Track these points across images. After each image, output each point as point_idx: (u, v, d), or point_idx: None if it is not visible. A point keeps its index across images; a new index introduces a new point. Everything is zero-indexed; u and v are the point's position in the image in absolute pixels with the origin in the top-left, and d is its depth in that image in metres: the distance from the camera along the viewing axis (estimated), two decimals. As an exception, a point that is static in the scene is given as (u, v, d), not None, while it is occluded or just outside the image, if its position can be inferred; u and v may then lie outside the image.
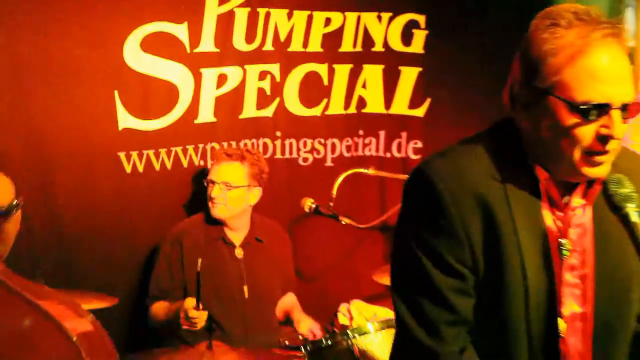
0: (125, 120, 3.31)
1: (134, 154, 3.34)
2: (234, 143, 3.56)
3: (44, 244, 3.19)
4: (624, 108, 1.45)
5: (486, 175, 1.56)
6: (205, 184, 3.27)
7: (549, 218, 1.57)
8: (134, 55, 3.30)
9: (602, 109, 1.44)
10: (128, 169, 3.33)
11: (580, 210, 1.59)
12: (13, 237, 1.83)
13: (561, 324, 1.57)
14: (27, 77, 3.12)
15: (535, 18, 1.53)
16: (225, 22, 3.49)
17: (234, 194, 3.22)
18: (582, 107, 1.43)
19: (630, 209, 1.49)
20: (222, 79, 3.53)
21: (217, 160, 3.28)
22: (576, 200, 1.58)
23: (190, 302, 2.90)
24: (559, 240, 1.57)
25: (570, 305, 1.59)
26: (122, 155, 3.31)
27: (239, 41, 3.54)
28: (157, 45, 3.34)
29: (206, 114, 3.50)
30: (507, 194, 1.55)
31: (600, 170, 1.50)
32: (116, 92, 3.28)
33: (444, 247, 1.53)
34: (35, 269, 2.92)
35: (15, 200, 1.74)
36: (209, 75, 3.48)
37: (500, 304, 1.55)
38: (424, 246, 1.56)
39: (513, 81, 1.57)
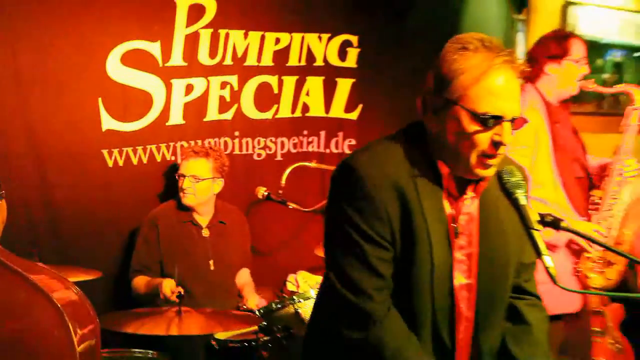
0: (108, 122, 3.37)
1: (115, 151, 3.40)
2: (199, 141, 3.61)
3: (41, 228, 3.24)
4: (513, 121, 1.52)
5: (400, 168, 1.59)
6: (177, 177, 3.33)
7: (447, 206, 1.62)
8: (115, 68, 3.37)
9: (497, 120, 1.50)
10: (110, 163, 3.39)
11: (469, 201, 1.64)
12: (2, 223, 1.74)
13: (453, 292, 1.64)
14: (26, 88, 3.18)
15: (449, 41, 1.58)
16: (192, 41, 3.56)
17: (201, 185, 3.29)
18: (481, 117, 1.50)
19: (519, 193, 1.55)
20: (189, 88, 3.59)
21: (186, 157, 3.35)
22: (468, 192, 1.64)
23: (167, 285, 2.99)
24: (452, 225, 1.63)
25: (459, 278, 1.64)
26: (105, 152, 3.37)
27: (203, 57, 3.62)
28: (134, 59, 3.42)
29: (176, 118, 3.57)
30: (417, 185, 1.58)
31: (489, 172, 1.57)
32: (100, 99, 3.35)
33: (369, 224, 1.56)
34: (33, 249, 2.92)
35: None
36: (178, 85, 3.55)
37: (411, 275, 1.58)
38: (352, 224, 1.57)
39: (426, 91, 1.59)
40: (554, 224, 1.56)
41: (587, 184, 3.15)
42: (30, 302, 1.56)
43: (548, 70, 3.09)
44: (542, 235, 1.51)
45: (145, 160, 3.53)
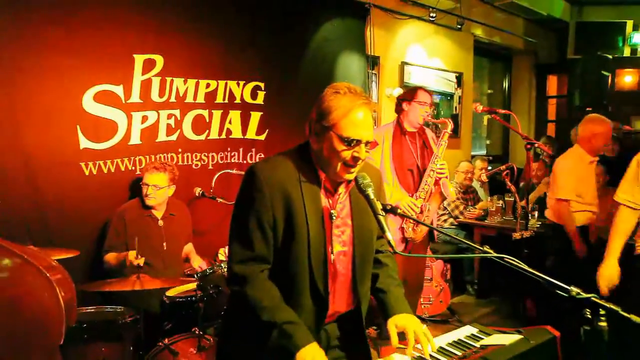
0: (84, 143, 3.31)
1: (90, 163, 3.34)
2: (153, 156, 3.59)
3: (33, 220, 3.10)
4: (367, 143, 1.57)
5: (289, 173, 1.60)
6: (142, 185, 3.31)
7: (324, 200, 1.64)
8: (89, 104, 3.32)
9: (357, 142, 1.55)
10: (86, 172, 3.33)
11: (343, 195, 1.68)
12: None
13: (330, 257, 1.64)
14: (21, 117, 3.07)
15: (327, 87, 1.61)
16: (146, 84, 3.54)
17: (161, 192, 3.29)
18: (346, 139, 1.54)
19: (369, 191, 1.57)
20: (144, 118, 3.57)
21: (149, 171, 3.31)
22: (341, 189, 1.67)
23: (132, 254, 2.97)
24: (330, 211, 1.64)
25: (337, 247, 1.66)
26: (82, 164, 3.31)
27: (154, 96, 3.60)
28: (104, 98, 3.37)
29: (135, 139, 3.53)
30: (301, 185, 1.60)
31: (350, 176, 1.60)
32: (78, 126, 3.28)
33: (256, 211, 1.56)
34: (26, 235, 2.92)
35: None
36: (137, 116, 3.53)
37: (292, 248, 1.58)
38: (245, 210, 1.58)
39: (311, 120, 1.62)
40: (392, 210, 1.63)
41: (418, 175, 3.40)
42: (25, 274, 1.58)
43: (404, 107, 3.42)
44: (386, 217, 1.58)
45: (113, 170, 3.46)
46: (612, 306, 1.22)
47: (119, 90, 3.45)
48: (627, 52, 7.57)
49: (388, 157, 3.36)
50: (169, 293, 2.95)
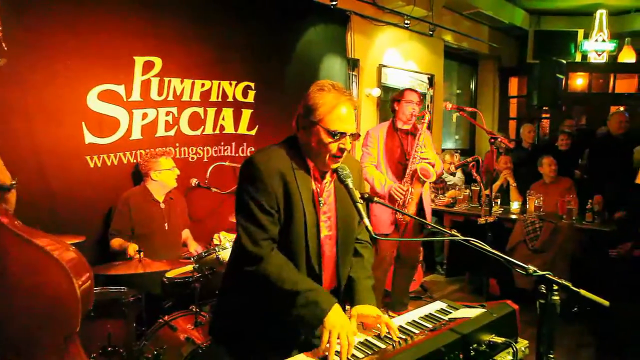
0: (89, 138, 3.24)
1: (95, 157, 3.28)
2: (153, 150, 3.47)
3: (42, 208, 3.03)
4: (351, 135, 1.56)
5: (284, 162, 1.58)
6: (154, 172, 3.26)
7: (314, 186, 1.62)
8: (94, 102, 3.25)
9: (342, 135, 1.54)
10: (91, 165, 3.26)
11: (329, 183, 1.66)
12: (14, 202, 1.67)
13: (321, 239, 1.63)
14: (32, 114, 3.00)
15: (312, 85, 1.59)
16: (146, 84, 3.48)
17: (174, 173, 3.33)
18: (333, 133, 1.53)
19: (349, 181, 1.57)
20: (144, 115, 3.51)
21: (158, 157, 3.30)
22: (327, 178, 1.66)
23: (132, 249, 2.93)
24: (319, 197, 1.63)
25: (324, 231, 1.65)
26: (87, 157, 3.25)
27: (153, 94, 3.54)
28: (107, 96, 3.31)
29: (136, 134, 3.48)
30: (295, 173, 1.58)
31: (336, 165, 1.60)
32: (83, 123, 3.21)
33: (261, 197, 1.54)
34: (37, 224, 2.86)
35: (13, 181, 1.58)
36: (137, 113, 3.47)
37: (292, 230, 1.58)
38: (251, 198, 1.55)
39: (298, 115, 1.60)
40: (369, 199, 1.60)
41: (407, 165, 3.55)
42: (42, 263, 1.51)
43: (395, 107, 3.57)
44: (363, 206, 1.56)
45: (115, 163, 3.41)
46: (563, 282, 1.21)
47: (120, 89, 3.38)
48: (578, 58, 7.72)
49: (382, 152, 3.52)
50: (169, 274, 2.91)
